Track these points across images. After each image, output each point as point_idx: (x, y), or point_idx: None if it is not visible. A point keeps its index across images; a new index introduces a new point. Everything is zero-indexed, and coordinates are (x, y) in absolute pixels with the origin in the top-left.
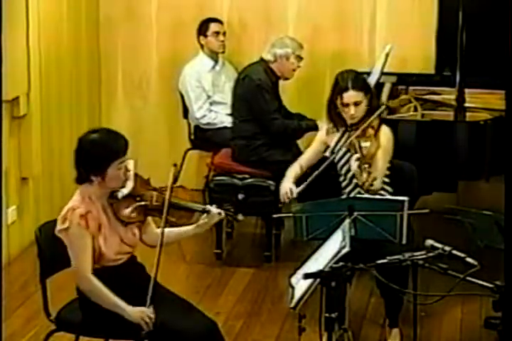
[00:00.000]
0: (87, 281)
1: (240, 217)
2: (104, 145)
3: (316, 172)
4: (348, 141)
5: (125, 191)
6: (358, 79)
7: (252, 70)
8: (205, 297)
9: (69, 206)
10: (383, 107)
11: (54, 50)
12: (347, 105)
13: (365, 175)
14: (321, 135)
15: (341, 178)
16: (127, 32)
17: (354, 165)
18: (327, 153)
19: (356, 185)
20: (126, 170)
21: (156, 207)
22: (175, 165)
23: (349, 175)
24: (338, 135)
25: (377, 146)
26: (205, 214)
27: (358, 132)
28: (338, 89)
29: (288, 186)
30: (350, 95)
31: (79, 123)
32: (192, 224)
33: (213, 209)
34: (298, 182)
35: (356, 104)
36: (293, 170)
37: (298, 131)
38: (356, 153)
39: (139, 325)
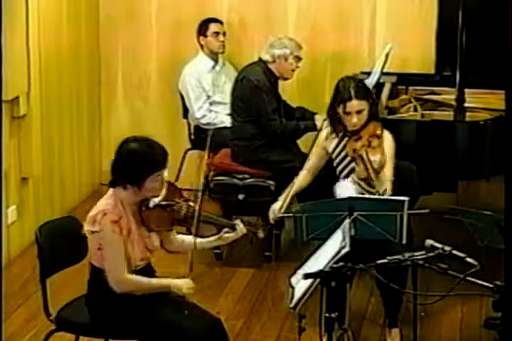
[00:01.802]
0: (125, 284)
1: (261, 234)
2: (145, 157)
3: (292, 192)
4: (353, 153)
5: (156, 200)
6: (360, 88)
7: (251, 71)
8: (205, 297)
9: (100, 209)
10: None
11: (54, 50)
12: (349, 113)
13: (377, 187)
14: (320, 140)
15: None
16: (127, 32)
17: (361, 183)
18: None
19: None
20: (163, 181)
21: (185, 219)
22: (203, 190)
23: (350, 178)
24: (336, 140)
25: (384, 155)
26: (229, 229)
27: (364, 142)
28: (341, 97)
29: (275, 206)
30: (353, 104)
31: (79, 124)
32: (215, 235)
33: (240, 225)
34: (309, 188)
35: (358, 112)
36: (299, 178)
37: (296, 132)
38: (365, 166)
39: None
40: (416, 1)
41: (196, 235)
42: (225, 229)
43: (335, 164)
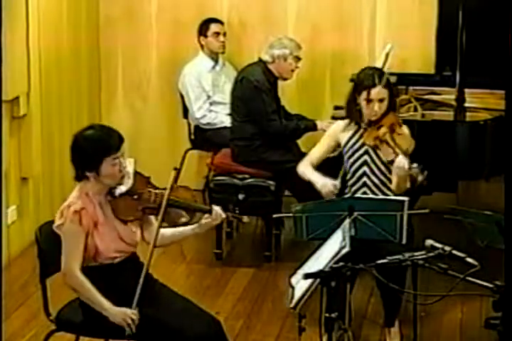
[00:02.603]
0: (73, 278)
1: (246, 219)
2: (96, 140)
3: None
4: (375, 140)
5: (123, 188)
6: (383, 76)
7: (250, 71)
8: (205, 297)
9: (66, 203)
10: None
11: (54, 50)
12: (371, 101)
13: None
14: (334, 131)
15: (348, 176)
16: (127, 32)
17: (405, 163)
18: (335, 153)
19: (364, 184)
20: (122, 167)
21: (154, 205)
22: (175, 169)
23: (358, 173)
24: (351, 132)
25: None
26: (207, 214)
27: (384, 129)
28: (364, 85)
29: (330, 182)
30: (378, 91)
31: (79, 124)
32: (193, 223)
33: (216, 209)
34: (309, 187)
35: (381, 100)
36: (309, 167)
37: (296, 132)
38: (393, 149)
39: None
40: (416, 1)
41: (163, 220)
42: (206, 216)
43: (346, 156)
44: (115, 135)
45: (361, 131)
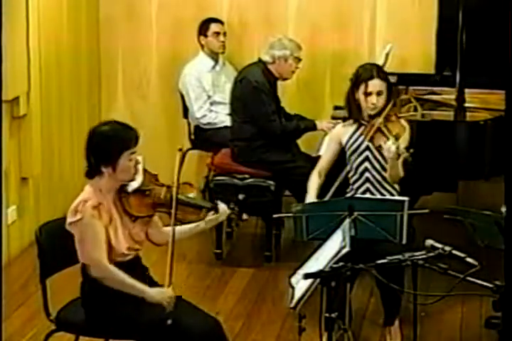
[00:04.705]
0: (104, 268)
1: (245, 216)
2: (115, 135)
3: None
4: (375, 128)
5: (135, 185)
6: (381, 70)
7: (250, 72)
8: (205, 297)
9: (80, 199)
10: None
11: (54, 50)
12: (369, 94)
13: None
14: (335, 134)
15: (351, 173)
16: (127, 32)
17: (392, 148)
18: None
19: (366, 180)
20: (137, 162)
21: (164, 202)
22: (180, 149)
23: (360, 169)
24: (352, 129)
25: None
26: (212, 211)
27: (381, 120)
28: (362, 78)
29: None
30: (375, 83)
31: (79, 123)
32: (199, 220)
33: (222, 205)
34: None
35: (379, 93)
36: (314, 184)
37: (296, 132)
38: (388, 139)
39: (161, 305)
40: (416, 1)
41: (175, 218)
42: (211, 213)
43: (348, 153)
44: (131, 130)
45: (362, 127)
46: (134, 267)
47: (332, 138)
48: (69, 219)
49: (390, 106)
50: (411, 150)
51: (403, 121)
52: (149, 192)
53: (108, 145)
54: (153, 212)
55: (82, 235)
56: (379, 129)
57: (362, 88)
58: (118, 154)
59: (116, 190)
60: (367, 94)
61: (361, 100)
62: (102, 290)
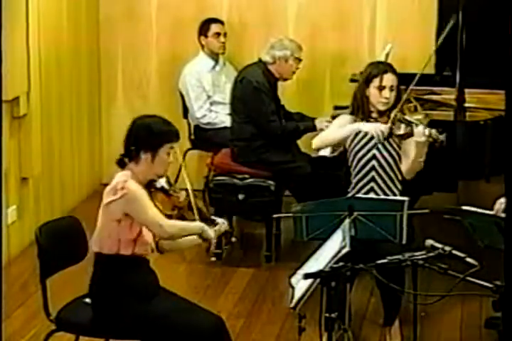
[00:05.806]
0: (170, 225)
1: (234, 239)
2: (159, 126)
3: None
4: (392, 117)
5: (163, 182)
6: (393, 67)
7: (250, 72)
8: (205, 297)
9: (116, 180)
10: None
11: (54, 50)
12: (383, 88)
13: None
14: (344, 123)
15: (355, 171)
16: (127, 32)
17: (426, 131)
18: (336, 153)
19: (371, 179)
20: (174, 157)
21: (182, 206)
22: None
23: (366, 168)
24: None
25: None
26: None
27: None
28: (377, 71)
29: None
30: (389, 78)
31: (79, 123)
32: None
33: (219, 220)
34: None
35: (391, 89)
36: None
37: (296, 133)
38: (405, 122)
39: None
40: (416, 1)
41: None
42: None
43: (354, 152)
44: (174, 127)
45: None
46: (147, 265)
47: (340, 125)
48: (108, 199)
49: (405, 96)
50: (444, 134)
51: (420, 110)
52: (172, 191)
53: (152, 133)
54: (171, 213)
55: (133, 206)
56: (399, 120)
57: (376, 82)
58: (160, 143)
59: (146, 183)
60: (381, 87)
61: (373, 95)
62: (112, 283)
